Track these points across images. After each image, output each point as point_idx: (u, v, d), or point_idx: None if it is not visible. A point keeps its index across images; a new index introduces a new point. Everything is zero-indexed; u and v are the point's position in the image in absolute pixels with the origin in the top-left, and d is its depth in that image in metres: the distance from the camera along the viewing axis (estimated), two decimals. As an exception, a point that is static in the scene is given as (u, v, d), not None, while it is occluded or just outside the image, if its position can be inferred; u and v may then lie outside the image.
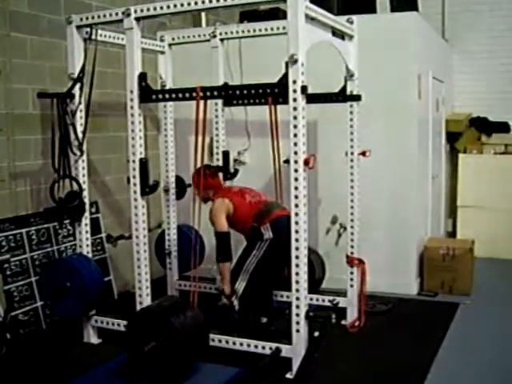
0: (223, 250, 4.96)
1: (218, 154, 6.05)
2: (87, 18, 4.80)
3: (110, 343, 5.11)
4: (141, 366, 4.22)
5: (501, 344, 5.08)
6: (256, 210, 5.03)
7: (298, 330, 4.20)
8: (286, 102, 4.07)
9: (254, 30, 5.96)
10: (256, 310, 5.03)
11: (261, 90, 4.22)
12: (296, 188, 4.07)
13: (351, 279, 5.47)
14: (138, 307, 4.69)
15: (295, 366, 4.25)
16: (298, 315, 4.19)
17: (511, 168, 8.05)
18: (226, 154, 6.03)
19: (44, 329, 5.45)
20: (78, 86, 4.90)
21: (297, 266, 4.13)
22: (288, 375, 4.33)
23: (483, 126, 8.46)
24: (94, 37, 4.90)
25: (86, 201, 5.06)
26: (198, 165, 4.69)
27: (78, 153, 4.95)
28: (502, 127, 8.44)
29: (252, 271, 4.93)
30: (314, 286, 5.62)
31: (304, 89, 3.98)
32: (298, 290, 4.16)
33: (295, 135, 4.02)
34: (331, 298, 5.51)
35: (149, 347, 4.10)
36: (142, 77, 4.49)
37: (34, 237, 5.53)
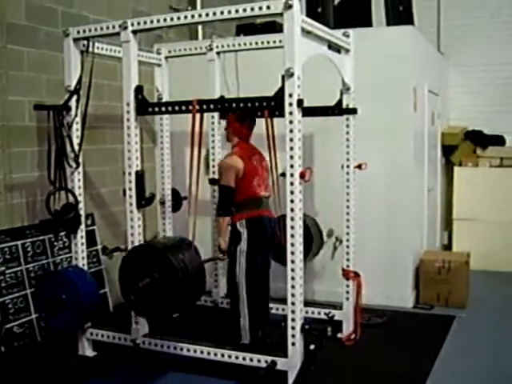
0: (225, 204, 4.91)
1: (214, 166, 6.05)
2: (84, 31, 4.81)
3: (105, 356, 5.09)
4: (134, 302, 4.21)
5: (497, 356, 5.08)
6: (250, 196, 4.99)
7: (293, 343, 4.19)
8: (282, 115, 4.08)
9: (251, 44, 5.99)
10: (255, 324, 5.02)
11: (257, 104, 4.24)
12: (292, 201, 4.07)
13: (347, 292, 5.46)
14: (134, 322, 4.68)
15: (291, 379, 4.24)
16: (293, 328, 4.18)
17: (507, 181, 8.06)
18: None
19: (39, 341, 5.43)
20: (74, 98, 4.91)
21: (292, 278, 4.13)
22: (283, 388, 4.32)
23: (478, 139, 8.49)
24: (90, 49, 4.91)
25: (82, 213, 5.06)
26: (194, 178, 4.68)
27: (74, 165, 4.95)
28: (497, 140, 8.46)
29: (246, 283, 4.92)
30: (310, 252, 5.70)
31: (300, 102, 4.00)
32: (293, 303, 4.16)
33: (291, 148, 4.03)
34: (327, 310, 5.52)
35: (143, 283, 4.08)
36: (139, 89, 4.50)
37: (29, 249, 5.51)
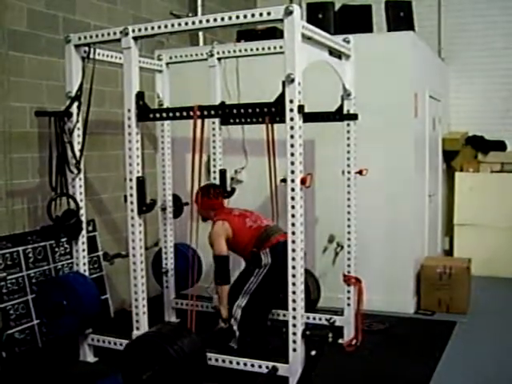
0: (222, 273, 4.96)
1: (214, 172, 6.05)
2: (85, 37, 4.82)
3: (106, 362, 5.09)
4: None
5: (498, 362, 5.08)
6: (256, 235, 5.02)
7: (294, 349, 4.18)
8: (282, 121, 4.08)
9: (252, 50, 5.99)
10: (253, 333, 5.01)
11: (258, 110, 4.23)
12: (293, 207, 4.06)
13: (348, 298, 5.46)
14: (135, 327, 4.68)
15: (292, 384, 4.24)
16: (294, 334, 4.17)
17: (508, 186, 8.06)
18: (222, 173, 6.03)
19: (40, 347, 5.43)
20: (75, 104, 4.91)
21: (293, 284, 4.13)
22: (285, 394, 4.32)
23: (479, 145, 8.49)
24: (91, 56, 4.92)
25: (83, 219, 5.06)
26: (195, 183, 4.68)
27: (76, 171, 4.96)
28: (498, 146, 8.46)
29: (250, 297, 4.93)
30: (310, 306, 5.60)
31: (301, 108, 3.99)
32: (294, 309, 4.15)
33: (292, 154, 4.02)
34: (328, 316, 5.51)
35: (147, 375, 4.09)
36: (140, 96, 4.50)
37: (30, 255, 5.52)
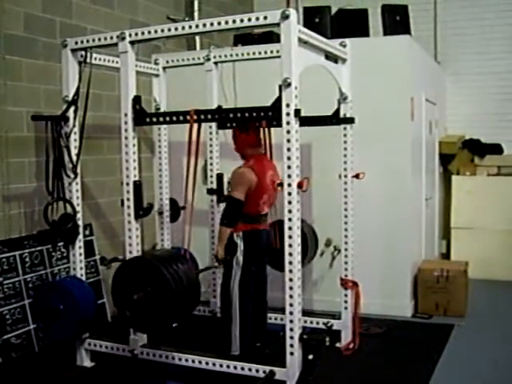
0: (231, 215, 4.88)
1: (211, 176, 6.05)
2: (82, 42, 4.82)
3: (103, 366, 5.08)
4: (128, 315, 4.22)
5: (496, 365, 5.08)
6: (252, 212, 4.96)
7: (291, 353, 4.18)
8: (279, 125, 4.08)
9: (248, 54, 6.00)
10: (251, 334, 5.01)
11: (254, 114, 4.23)
12: (290, 211, 4.07)
13: (345, 301, 5.46)
14: (132, 333, 4.68)
15: (289, 389, 4.24)
16: (291, 338, 4.17)
17: (504, 189, 8.08)
18: (219, 177, 6.03)
19: (37, 352, 5.42)
20: (72, 108, 4.91)
21: (290, 288, 4.12)
22: (282, 398, 4.31)
23: (476, 148, 8.51)
24: (88, 60, 4.91)
25: (80, 223, 5.06)
26: (191, 186, 4.67)
27: (72, 175, 4.95)
28: (494, 149, 8.48)
29: (240, 292, 4.94)
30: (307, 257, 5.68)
31: (297, 112, 4.00)
32: (291, 313, 4.15)
33: (289, 158, 4.03)
34: (325, 320, 5.51)
35: (138, 296, 4.08)
36: (136, 100, 4.51)
37: (27, 259, 5.51)
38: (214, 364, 4.55)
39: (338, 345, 5.40)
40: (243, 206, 4.87)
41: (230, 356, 4.79)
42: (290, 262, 4.10)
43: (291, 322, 4.16)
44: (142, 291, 4.11)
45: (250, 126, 5.09)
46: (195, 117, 4.40)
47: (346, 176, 5.38)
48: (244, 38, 6.95)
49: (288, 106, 3.98)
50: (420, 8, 8.43)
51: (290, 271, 4.11)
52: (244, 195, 4.85)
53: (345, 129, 5.37)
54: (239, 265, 4.92)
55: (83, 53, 4.91)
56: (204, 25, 4.24)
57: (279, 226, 4.90)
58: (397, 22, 6.80)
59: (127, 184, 4.57)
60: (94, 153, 6.25)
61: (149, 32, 4.44)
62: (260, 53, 5.91)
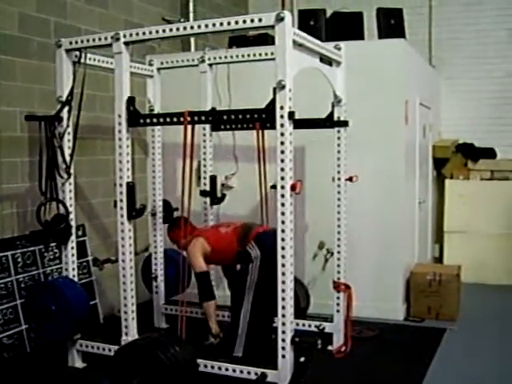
0: (205, 289, 4.94)
1: (205, 178, 6.05)
2: (76, 42, 4.81)
3: (94, 367, 5.07)
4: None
5: (488, 369, 5.09)
6: (236, 237, 5.00)
7: (283, 356, 4.17)
8: (273, 127, 4.08)
9: (243, 56, 5.99)
10: (252, 337, 4.99)
11: (248, 116, 4.24)
12: (283, 213, 4.06)
13: (337, 304, 5.45)
14: (124, 333, 4.67)
15: (281, 391, 4.23)
16: (283, 340, 4.16)
17: (497, 194, 8.10)
18: (213, 179, 6.03)
19: (28, 352, 5.40)
20: (66, 108, 4.89)
21: (283, 291, 4.12)
22: (274, 401, 4.30)
23: (470, 152, 8.52)
24: (83, 60, 4.90)
25: (73, 224, 5.04)
26: (186, 189, 4.65)
27: (66, 176, 4.94)
28: (488, 153, 8.49)
29: (253, 299, 4.89)
30: (299, 314, 5.59)
31: (291, 114, 3.99)
32: (283, 316, 4.14)
33: (282, 160, 4.02)
34: (317, 323, 5.51)
35: (137, 381, 4.09)
36: (131, 101, 4.50)
37: (19, 259, 5.50)
38: (205, 366, 4.54)
39: (329, 348, 5.41)
40: (209, 274, 4.99)
41: (232, 357, 4.78)
42: (283, 265, 4.10)
43: (283, 324, 4.15)
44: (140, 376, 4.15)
45: (178, 222, 5.32)
46: (189, 118, 4.40)
47: (339, 179, 5.38)
48: (239, 39, 6.95)
49: (282, 108, 3.98)
50: (415, 12, 8.46)
51: (283, 273, 4.10)
52: (203, 263, 4.94)
53: (338, 132, 5.37)
54: (256, 270, 4.89)
55: (77, 53, 4.90)
56: (199, 26, 4.23)
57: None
58: (392, 25, 6.81)
59: (120, 185, 4.56)
60: (88, 153, 6.24)
61: (143, 33, 4.44)
62: (255, 55, 5.90)
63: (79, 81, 4.88)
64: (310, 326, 5.57)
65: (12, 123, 5.47)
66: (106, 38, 4.59)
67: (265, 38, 6.65)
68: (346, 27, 6.78)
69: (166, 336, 4.64)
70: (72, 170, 4.98)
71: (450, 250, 8.24)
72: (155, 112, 5.97)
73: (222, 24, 4.16)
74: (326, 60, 4.97)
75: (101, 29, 6.25)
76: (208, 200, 6.03)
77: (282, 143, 4.01)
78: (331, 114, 5.35)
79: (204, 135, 6.00)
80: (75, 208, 5.12)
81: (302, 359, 4.18)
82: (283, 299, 4.13)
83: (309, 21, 6.81)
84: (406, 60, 6.55)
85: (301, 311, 5.73)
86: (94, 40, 4.69)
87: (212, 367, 4.52)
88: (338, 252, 5.45)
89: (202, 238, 5.03)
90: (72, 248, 5.06)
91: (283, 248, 4.08)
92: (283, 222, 4.07)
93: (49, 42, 5.63)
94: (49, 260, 5.80)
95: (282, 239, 4.08)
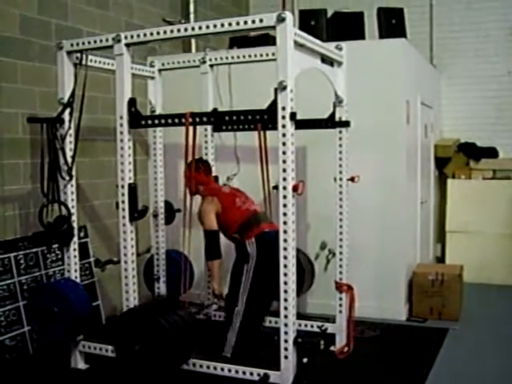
0: (212, 248, 4.96)
1: (207, 178, 6.04)
2: (78, 44, 4.81)
3: (97, 369, 5.07)
4: (129, 365, 4.28)
5: (490, 369, 5.08)
6: (243, 218, 5.02)
7: (286, 356, 4.18)
8: (275, 128, 4.08)
9: (244, 56, 6.00)
10: (250, 340, 5.01)
11: (250, 116, 4.24)
12: (285, 214, 4.06)
13: (340, 305, 5.45)
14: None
15: (284, 392, 4.23)
16: (286, 341, 4.16)
17: (499, 193, 8.08)
18: (215, 179, 6.01)
19: (31, 354, 5.40)
20: (67, 110, 4.90)
21: (285, 291, 4.12)
22: (277, 402, 4.30)
23: (471, 152, 8.52)
24: (84, 62, 4.91)
25: (75, 225, 5.05)
26: (187, 190, 4.67)
27: (67, 177, 4.94)
28: (490, 152, 8.49)
29: (247, 300, 4.91)
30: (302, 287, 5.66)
31: (293, 115, 3.99)
32: (286, 316, 4.14)
33: (284, 161, 4.02)
34: (320, 323, 5.51)
35: (139, 347, 4.13)
36: (132, 102, 4.51)
37: (22, 261, 5.50)
38: (208, 367, 4.55)
39: (332, 348, 5.39)
40: (218, 233, 4.98)
41: (221, 357, 4.79)
42: (285, 265, 4.10)
43: (285, 325, 4.15)
44: (142, 342, 4.18)
45: (200, 164, 5.24)
46: (191, 119, 4.40)
47: (341, 179, 5.38)
48: (240, 40, 6.94)
49: (284, 109, 3.98)
50: (416, 11, 8.45)
51: (285, 274, 4.10)
52: (215, 223, 4.96)
53: (340, 132, 5.36)
54: (250, 272, 4.90)
55: (79, 55, 4.90)
56: (200, 27, 4.23)
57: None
58: (392, 25, 6.81)
59: (122, 186, 4.57)
60: (89, 155, 6.24)
61: (144, 34, 4.44)
62: (256, 55, 5.90)
63: (80, 83, 4.88)
64: (312, 326, 5.57)
65: (14, 125, 5.47)
66: (107, 40, 4.59)
67: (266, 39, 6.64)
68: (347, 27, 6.77)
69: (167, 302, 4.64)
70: (74, 172, 4.98)
71: (452, 249, 8.23)
72: (156, 113, 5.97)
73: (223, 25, 4.16)
74: (328, 60, 4.97)
75: (102, 30, 6.25)
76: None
77: (284, 144, 4.01)
78: (333, 115, 5.35)
79: (205, 136, 6.01)
80: (77, 209, 5.13)
81: (305, 360, 4.18)
82: (285, 300, 4.13)
83: (310, 21, 6.80)
84: (407, 59, 6.55)
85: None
86: (95, 42, 4.70)
87: (215, 368, 4.53)
88: (340, 252, 5.45)
89: (217, 199, 5.06)
90: (74, 249, 5.06)
91: (285, 249, 4.08)
92: (285, 223, 4.07)
93: (50, 44, 5.63)
94: (51, 261, 5.80)
95: (285, 240, 4.08)
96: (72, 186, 5.00)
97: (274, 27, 3.98)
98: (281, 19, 3.93)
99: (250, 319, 4.94)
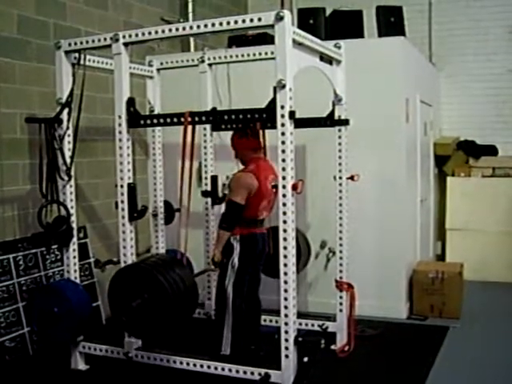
0: (231, 219, 4.85)
1: (206, 178, 6.04)
2: (76, 44, 4.80)
3: (97, 369, 5.06)
4: (125, 322, 4.27)
5: (491, 367, 5.08)
6: (250, 216, 4.93)
7: (287, 356, 4.17)
8: (274, 126, 4.07)
9: (243, 55, 5.98)
10: (244, 336, 5.01)
11: (249, 115, 4.23)
12: (284, 213, 4.05)
13: (340, 304, 5.45)
14: (127, 334, 4.67)
15: (284, 391, 4.22)
16: (286, 340, 4.15)
17: (499, 191, 8.08)
18: (214, 179, 6.01)
19: (31, 355, 5.39)
20: (66, 110, 4.89)
21: (285, 291, 4.11)
22: (277, 401, 4.30)
23: (471, 150, 8.51)
24: (82, 62, 4.90)
25: (74, 226, 5.04)
26: (186, 189, 4.64)
27: (66, 178, 4.93)
28: (489, 150, 8.48)
29: (233, 294, 4.92)
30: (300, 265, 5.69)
31: (292, 114, 3.98)
32: (286, 315, 4.13)
33: (283, 160, 4.02)
34: (320, 322, 5.50)
35: (136, 303, 4.11)
36: (131, 102, 4.49)
37: (21, 262, 5.49)
38: (208, 366, 4.54)
39: (333, 347, 5.40)
40: (243, 209, 4.84)
41: (220, 356, 4.78)
42: (285, 265, 4.09)
43: (286, 324, 4.15)
44: (139, 298, 4.11)
45: (248, 129, 5.05)
46: (190, 119, 4.39)
47: (340, 178, 5.38)
48: (238, 39, 6.94)
49: (282, 107, 3.97)
50: (415, 9, 8.45)
51: (285, 274, 4.10)
52: (244, 199, 4.81)
53: (339, 130, 5.36)
54: (234, 267, 4.90)
55: (77, 55, 4.90)
56: (198, 26, 4.22)
57: (273, 233, 4.89)
58: (391, 23, 6.80)
59: (121, 186, 4.56)
60: (88, 155, 6.24)
61: (143, 34, 4.43)
62: (254, 54, 5.89)
63: (79, 82, 4.87)
64: (313, 325, 5.57)
65: (12, 125, 5.46)
66: (105, 39, 4.58)
67: (264, 38, 6.63)
68: (346, 25, 6.76)
69: (165, 259, 4.61)
70: (73, 172, 4.97)
71: (453, 247, 8.22)
72: (155, 113, 5.96)
73: (221, 24, 4.15)
74: (326, 59, 4.96)
75: (100, 30, 6.24)
76: (209, 200, 6.02)
77: (283, 143, 4.00)
78: (332, 113, 5.34)
79: (205, 135, 5.99)
80: (76, 210, 5.12)
81: (306, 359, 4.18)
82: (285, 299, 4.12)
83: (308, 19, 6.79)
84: (406, 57, 6.54)
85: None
86: (93, 41, 4.69)
87: (215, 368, 4.52)
88: (340, 251, 5.45)
89: (257, 184, 4.85)
90: (73, 250, 5.06)
91: (285, 248, 4.08)
92: (285, 222, 4.06)
93: (48, 44, 5.62)
94: (50, 262, 5.79)
95: (284, 239, 4.07)
96: (71, 186, 4.99)
97: (272, 26, 3.98)
98: (279, 18, 3.92)
99: (241, 311, 4.94)
